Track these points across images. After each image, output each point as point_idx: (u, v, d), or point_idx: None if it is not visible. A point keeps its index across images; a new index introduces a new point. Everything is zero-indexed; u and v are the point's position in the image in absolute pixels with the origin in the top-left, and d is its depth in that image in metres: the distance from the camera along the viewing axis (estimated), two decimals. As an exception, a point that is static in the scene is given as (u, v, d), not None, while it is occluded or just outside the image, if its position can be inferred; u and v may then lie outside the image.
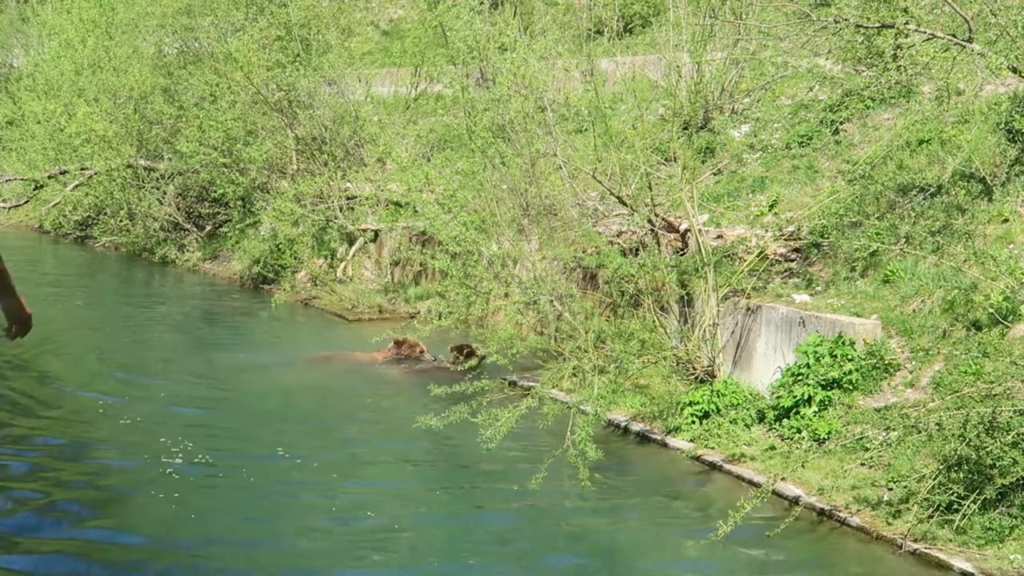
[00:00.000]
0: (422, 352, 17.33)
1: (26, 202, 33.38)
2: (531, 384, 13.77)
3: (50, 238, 35.55)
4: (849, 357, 12.08)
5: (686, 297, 14.10)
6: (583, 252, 15.55)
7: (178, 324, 21.74)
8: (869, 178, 15.01)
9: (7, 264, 5.81)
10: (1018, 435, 9.41)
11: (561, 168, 16.17)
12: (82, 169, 30.60)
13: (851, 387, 12.04)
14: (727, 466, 12.11)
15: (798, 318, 12.83)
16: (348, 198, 24.10)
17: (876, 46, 14.53)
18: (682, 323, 14.12)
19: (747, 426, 12.62)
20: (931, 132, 15.45)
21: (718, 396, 13.04)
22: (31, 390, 15.57)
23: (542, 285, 14.82)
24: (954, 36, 13.39)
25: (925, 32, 13.47)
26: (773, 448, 12.02)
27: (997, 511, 9.69)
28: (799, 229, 14.96)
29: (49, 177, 31.11)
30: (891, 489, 10.57)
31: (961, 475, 9.82)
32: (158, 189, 29.86)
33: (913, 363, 12.01)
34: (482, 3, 22.65)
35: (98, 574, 9.38)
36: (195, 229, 29.85)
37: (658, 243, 14.82)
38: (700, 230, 14.07)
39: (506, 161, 16.34)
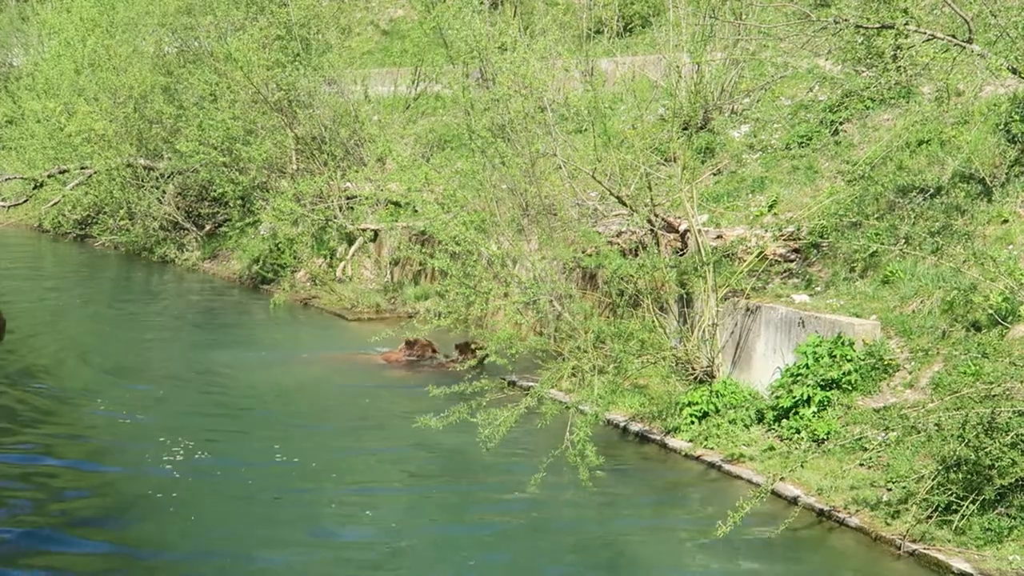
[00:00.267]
0: (434, 352, 17.33)
1: (25, 201, 33.37)
2: (530, 384, 13.77)
3: (49, 237, 35.55)
4: (848, 357, 12.08)
5: (685, 297, 14.10)
6: (583, 252, 15.55)
7: (177, 323, 21.74)
8: (869, 179, 15.01)
9: None
10: (1017, 436, 9.41)
11: (561, 168, 16.17)
12: (82, 168, 30.59)
13: (850, 387, 12.04)
14: (726, 466, 12.11)
15: (797, 318, 12.83)
16: (348, 198, 24.10)
17: (876, 47, 14.54)
18: (681, 323, 14.13)
19: (746, 426, 12.62)
20: (931, 133, 15.45)
21: (717, 396, 13.04)
22: (28, 390, 15.55)
23: (541, 285, 14.82)
24: (954, 37, 13.39)
25: (925, 33, 13.47)
26: (772, 448, 12.02)
27: (996, 512, 9.70)
28: (799, 229, 14.96)
29: (49, 176, 31.10)
30: (890, 490, 10.57)
31: (960, 476, 9.82)
32: (157, 188, 29.85)
33: (912, 364, 12.01)
34: (482, 3, 22.66)
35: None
36: (194, 228, 29.85)
37: (657, 243, 14.82)
38: (700, 230, 14.07)
39: (506, 161, 16.34)
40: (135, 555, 9.96)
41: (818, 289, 13.98)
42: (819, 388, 12.04)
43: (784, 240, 14.87)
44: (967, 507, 9.69)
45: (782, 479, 11.11)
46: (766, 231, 14.51)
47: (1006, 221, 13.02)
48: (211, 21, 28.95)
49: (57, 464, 12.35)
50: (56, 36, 36.67)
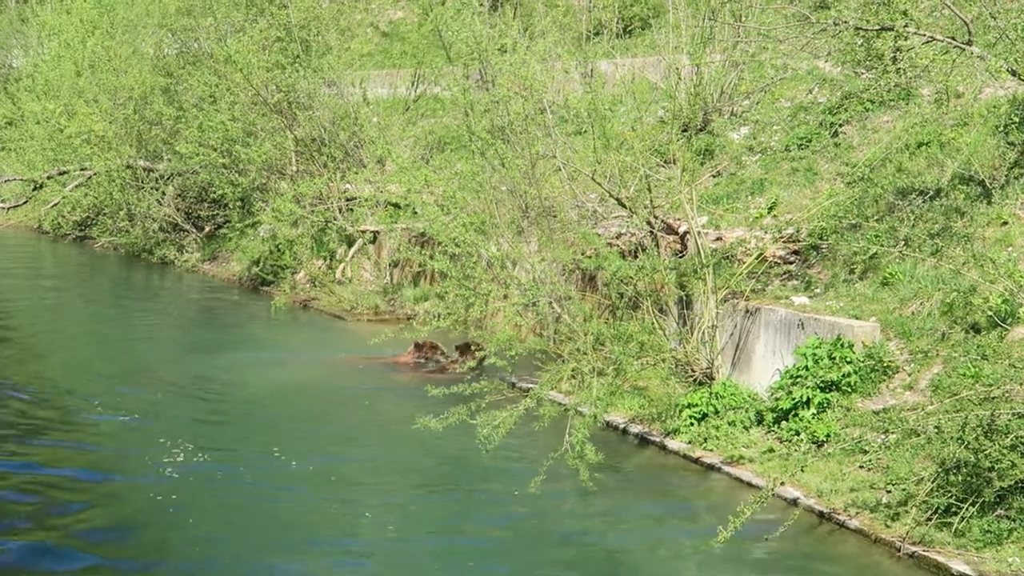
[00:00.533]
0: (442, 354, 17.31)
1: (25, 202, 33.37)
2: (530, 386, 13.77)
3: (49, 238, 35.56)
4: (848, 359, 12.08)
5: (685, 299, 14.10)
6: (582, 254, 15.55)
7: (177, 325, 21.73)
8: (868, 180, 15.01)
9: None
10: (1017, 438, 9.41)
11: (560, 170, 16.16)
12: (81, 170, 30.60)
13: (850, 389, 12.04)
14: (726, 468, 12.11)
15: (797, 320, 12.83)
16: (347, 199, 24.10)
17: (875, 49, 14.54)
18: (681, 325, 14.12)
19: (746, 428, 12.62)
20: (930, 135, 15.46)
21: (717, 398, 13.03)
22: (26, 393, 15.53)
23: (541, 287, 14.82)
24: (953, 39, 13.40)
25: (924, 35, 13.48)
26: (772, 450, 12.02)
27: (995, 514, 9.69)
28: (798, 231, 14.96)
29: (48, 178, 31.10)
30: (890, 492, 10.57)
31: (960, 478, 9.82)
32: (157, 190, 29.87)
33: (912, 365, 12.01)
34: (482, 4, 22.66)
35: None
36: (194, 230, 29.85)
37: (657, 245, 14.82)
38: (699, 232, 14.07)
39: (505, 163, 16.34)
40: (135, 564, 9.92)
41: (818, 291, 13.98)
42: (819, 390, 12.03)
43: (784, 242, 14.87)
44: (967, 509, 9.69)
45: (782, 484, 11.10)
46: (766, 233, 14.51)
47: (1005, 223, 13.02)
48: (211, 23, 28.95)
49: (55, 469, 12.29)
50: (56, 37, 36.69)
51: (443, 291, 17.88)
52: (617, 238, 16.59)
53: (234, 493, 11.62)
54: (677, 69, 19.55)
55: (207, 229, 29.80)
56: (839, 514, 10.57)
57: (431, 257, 16.05)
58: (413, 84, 27.74)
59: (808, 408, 12.01)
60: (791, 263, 14.89)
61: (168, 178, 29.82)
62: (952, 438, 9.81)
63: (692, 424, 12.97)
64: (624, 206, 15.09)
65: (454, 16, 20.71)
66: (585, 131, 16.92)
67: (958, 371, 11.19)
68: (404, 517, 11.07)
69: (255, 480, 11.97)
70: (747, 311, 13.51)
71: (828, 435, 11.69)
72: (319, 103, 25.39)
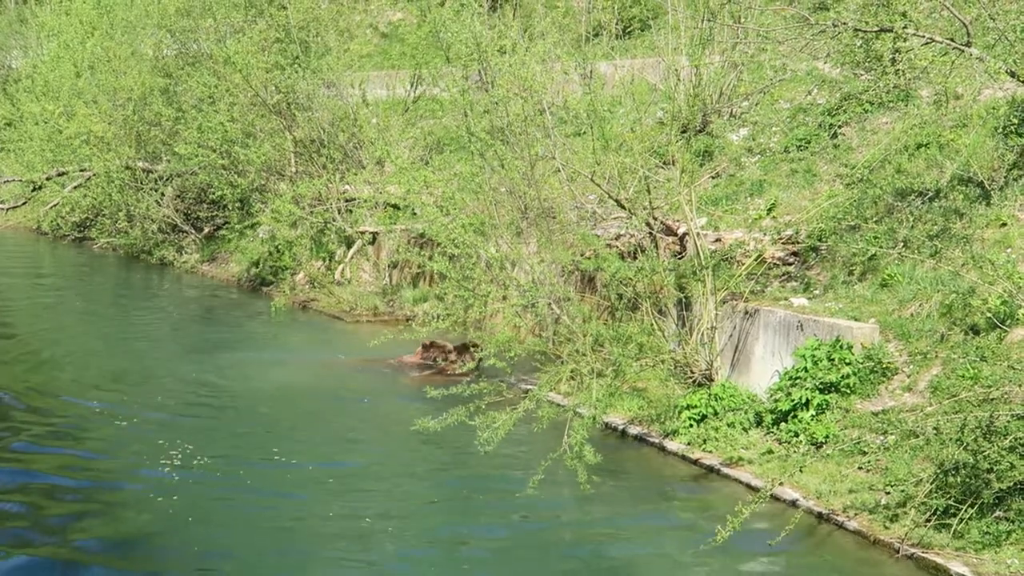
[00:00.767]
0: (450, 353, 17.28)
1: (24, 203, 33.38)
2: (529, 387, 13.76)
3: (48, 239, 35.54)
4: (847, 361, 12.08)
5: (684, 300, 14.10)
6: (581, 255, 15.54)
7: (176, 326, 21.72)
8: (867, 182, 15.01)
9: None
10: (1016, 439, 9.41)
11: (560, 171, 16.16)
12: (80, 170, 30.60)
13: (849, 391, 12.04)
14: (724, 469, 12.11)
15: (796, 322, 12.83)
16: (346, 200, 24.09)
17: (875, 50, 14.53)
18: (680, 326, 14.12)
19: (745, 429, 12.62)
20: (929, 136, 15.46)
21: (716, 399, 13.03)
22: (25, 395, 15.52)
23: (540, 288, 14.82)
24: (952, 40, 13.40)
25: (923, 36, 13.48)
26: (771, 452, 12.02)
27: (994, 516, 9.70)
28: (797, 233, 14.96)
29: (47, 178, 31.10)
30: (888, 493, 10.57)
31: (958, 479, 9.82)
32: (156, 191, 29.86)
33: (911, 367, 12.01)
34: (481, 5, 22.65)
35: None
36: (193, 231, 29.84)
37: (656, 246, 14.82)
38: (698, 233, 14.07)
39: (505, 164, 16.34)
40: (134, 569, 9.91)
41: (817, 292, 13.98)
42: (817, 391, 12.03)
43: (783, 243, 14.87)
44: (965, 511, 9.69)
45: (780, 484, 11.10)
46: (765, 234, 14.52)
47: (1004, 224, 13.03)
48: (210, 24, 28.94)
49: (54, 471, 12.29)
50: (55, 38, 36.71)
51: (442, 292, 17.87)
52: (616, 239, 16.59)
53: (233, 495, 11.61)
54: (676, 70, 19.54)
55: (206, 230, 29.79)
56: (838, 515, 10.58)
57: (430, 258, 16.05)
58: (412, 85, 27.74)
59: (807, 409, 12.01)
60: (790, 264, 14.89)
61: (167, 179, 29.81)
62: (951, 439, 9.82)
63: (691, 425, 12.97)
64: (623, 207, 15.09)
65: (453, 17, 20.68)
66: (584, 132, 16.92)
67: (957, 372, 11.19)
68: (403, 520, 11.06)
69: (255, 483, 11.96)
70: (746, 312, 13.51)
71: (827, 436, 11.69)
72: (318, 104, 25.38)
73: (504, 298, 15.71)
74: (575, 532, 10.88)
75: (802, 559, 10.12)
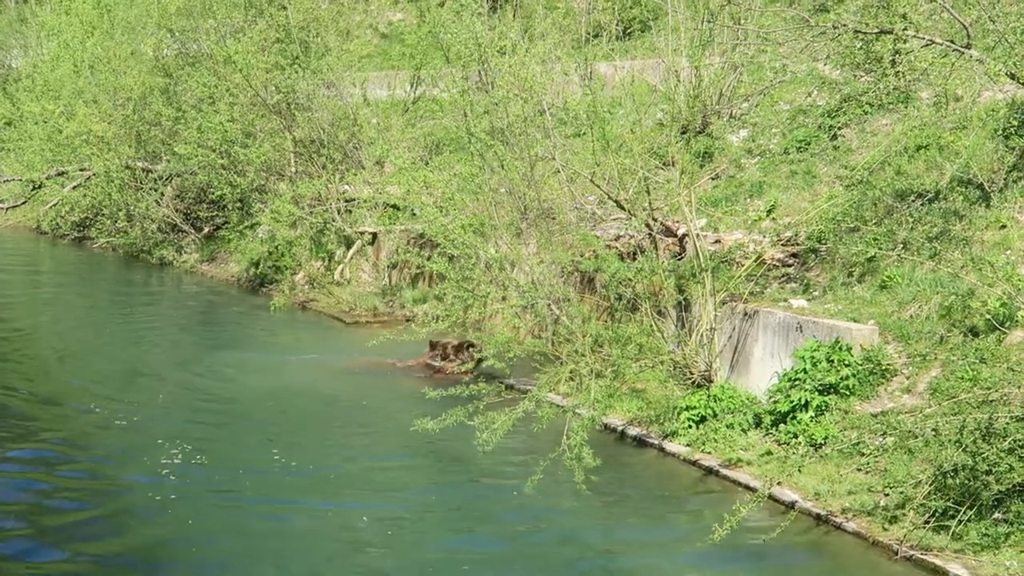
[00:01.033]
0: (456, 350, 17.21)
1: (24, 203, 33.35)
2: (528, 387, 13.76)
3: (48, 239, 35.53)
4: (846, 362, 12.08)
5: (684, 302, 14.10)
6: (581, 256, 15.54)
7: (176, 326, 21.70)
8: (867, 183, 15.01)
9: None
10: (1015, 441, 9.41)
11: (559, 172, 16.17)
12: (80, 170, 30.59)
13: (848, 392, 12.04)
14: (723, 471, 12.10)
15: (795, 323, 12.83)
16: (346, 201, 24.09)
17: (875, 51, 14.53)
18: (679, 328, 14.12)
19: (744, 431, 12.62)
20: (929, 138, 15.47)
21: (715, 400, 13.04)
22: (25, 395, 15.52)
23: (539, 289, 14.82)
24: (952, 42, 13.40)
25: (924, 38, 13.48)
26: (770, 453, 12.02)
27: (993, 518, 9.70)
28: (797, 234, 14.96)
29: (47, 178, 31.09)
30: (887, 495, 10.57)
31: (957, 481, 9.82)
32: (156, 190, 29.86)
33: (910, 369, 12.01)
34: (481, 6, 22.64)
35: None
36: (193, 231, 29.84)
37: (656, 247, 14.82)
38: (698, 235, 14.07)
39: (504, 164, 16.35)
40: (133, 569, 9.91)
41: (816, 294, 13.99)
42: (817, 393, 12.03)
43: (782, 245, 14.87)
44: (964, 513, 9.69)
45: (779, 483, 11.11)
46: (764, 236, 14.52)
47: (1004, 226, 13.03)
48: (211, 24, 28.94)
49: (54, 472, 12.28)
50: (55, 38, 36.69)
51: (441, 293, 17.85)
52: (616, 240, 16.59)
53: (233, 496, 11.61)
54: (676, 71, 19.56)
55: (206, 230, 29.79)
56: (836, 517, 10.58)
57: (429, 259, 16.04)
58: (412, 86, 27.75)
59: (806, 411, 12.01)
60: (790, 266, 14.90)
61: (167, 179, 29.81)
62: (950, 441, 9.82)
63: (690, 426, 12.97)
64: (623, 208, 15.09)
65: (453, 19, 20.69)
66: (584, 133, 16.93)
67: (956, 374, 11.20)
68: (402, 522, 11.05)
69: (254, 485, 11.96)
70: (745, 314, 13.51)
71: (826, 438, 11.69)
72: (318, 104, 25.38)
73: (503, 299, 15.72)
74: (573, 533, 10.87)
75: (800, 561, 10.12)
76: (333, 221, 23.63)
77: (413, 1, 36.23)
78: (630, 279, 14.10)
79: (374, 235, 23.69)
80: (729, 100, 20.19)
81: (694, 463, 12.50)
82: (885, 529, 10.16)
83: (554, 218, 16.54)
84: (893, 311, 12.79)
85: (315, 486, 11.91)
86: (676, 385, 13.72)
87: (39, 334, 20.38)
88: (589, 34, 26.88)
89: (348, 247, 24.13)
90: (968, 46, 13.26)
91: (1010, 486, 9.50)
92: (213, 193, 27.30)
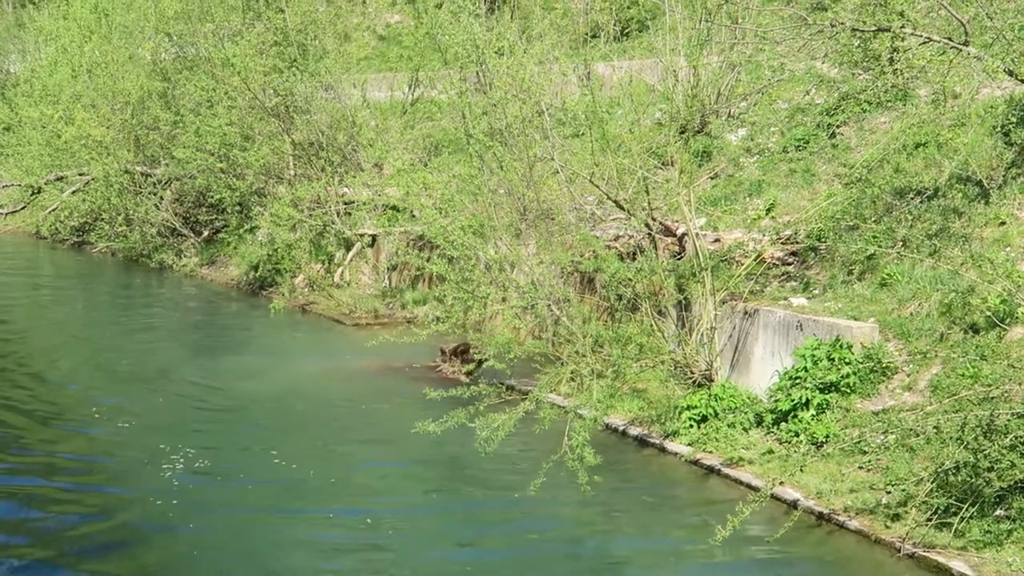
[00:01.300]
0: (459, 353, 17.20)
1: (23, 208, 33.35)
2: (529, 388, 13.75)
3: (47, 244, 35.53)
4: (847, 360, 12.08)
5: (684, 301, 14.10)
6: (580, 256, 15.54)
7: (175, 330, 21.70)
8: (866, 181, 15.02)
9: None
10: (1016, 438, 9.41)
11: (558, 172, 16.16)
12: (79, 175, 30.58)
13: (849, 390, 12.04)
14: (725, 470, 12.10)
15: (795, 321, 12.83)
16: (345, 203, 24.08)
17: (872, 50, 14.54)
18: (680, 327, 14.12)
19: (745, 430, 12.62)
20: (928, 135, 15.47)
21: (716, 400, 13.03)
22: (25, 400, 15.50)
23: (539, 289, 14.82)
24: (950, 40, 13.40)
25: (921, 36, 13.48)
26: (771, 452, 12.02)
27: (995, 514, 9.69)
28: (796, 232, 14.96)
29: (46, 183, 31.09)
30: (889, 492, 10.57)
31: (959, 478, 9.81)
32: (155, 194, 29.86)
33: (911, 366, 12.01)
34: (479, 7, 22.64)
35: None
36: (192, 234, 29.84)
37: (655, 247, 14.82)
38: (697, 234, 14.07)
39: (503, 165, 16.34)
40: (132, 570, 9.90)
41: (816, 292, 13.98)
42: (818, 391, 12.03)
43: (782, 243, 14.87)
44: (966, 510, 9.69)
45: (781, 483, 11.10)
46: (764, 234, 14.52)
47: (1003, 223, 13.03)
48: (209, 28, 28.93)
49: (55, 476, 12.26)
50: (53, 42, 36.67)
51: (441, 294, 17.84)
52: (615, 240, 16.59)
53: (234, 499, 11.60)
54: (674, 71, 19.55)
55: (205, 233, 29.78)
56: (839, 515, 10.57)
57: (429, 260, 16.04)
58: (410, 87, 27.74)
59: (807, 409, 12.01)
60: (789, 264, 14.89)
61: (166, 183, 29.81)
62: (951, 438, 9.81)
63: (691, 426, 12.96)
64: (622, 208, 15.09)
65: (451, 20, 20.69)
66: (583, 134, 16.92)
67: (957, 371, 11.20)
68: (404, 524, 11.05)
69: (255, 488, 11.95)
70: (746, 313, 13.51)
71: (827, 436, 11.68)
72: (316, 107, 25.37)
73: (503, 300, 15.71)
74: (576, 533, 10.87)
75: (803, 559, 10.11)
76: (332, 223, 23.62)
77: (411, 3, 36.22)
78: (630, 279, 14.09)
79: (374, 237, 23.69)
80: (727, 99, 20.19)
81: (696, 462, 12.50)
82: (887, 527, 10.15)
83: (553, 219, 16.54)
84: (893, 309, 12.79)
85: (317, 488, 11.90)
86: (677, 385, 13.71)
87: (38, 339, 20.37)
88: (587, 34, 26.88)
89: (348, 249, 24.12)
90: (966, 43, 13.26)
91: (1012, 483, 9.50)
92: (212, 197, 27.30)
